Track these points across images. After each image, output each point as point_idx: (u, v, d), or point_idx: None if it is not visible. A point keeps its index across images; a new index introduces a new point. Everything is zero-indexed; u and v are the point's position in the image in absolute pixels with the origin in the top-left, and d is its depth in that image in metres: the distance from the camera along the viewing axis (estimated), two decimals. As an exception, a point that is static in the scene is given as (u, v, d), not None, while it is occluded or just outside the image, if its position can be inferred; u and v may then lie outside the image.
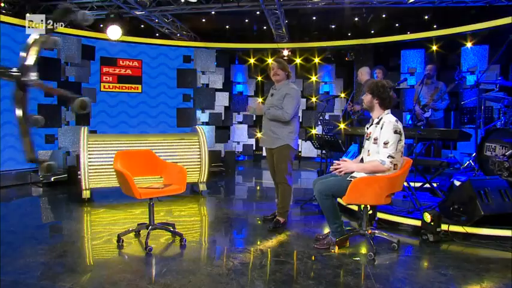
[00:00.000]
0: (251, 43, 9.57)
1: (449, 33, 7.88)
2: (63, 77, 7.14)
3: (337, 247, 3.33)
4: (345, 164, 3.31)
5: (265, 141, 4.17)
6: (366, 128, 3.51)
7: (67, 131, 6.95)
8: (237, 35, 9.67)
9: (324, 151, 5.35)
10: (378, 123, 3.30)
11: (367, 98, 3.36)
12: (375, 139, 3.25)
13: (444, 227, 3.64)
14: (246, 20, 9.23)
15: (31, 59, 1.69)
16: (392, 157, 3.15)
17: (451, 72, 7.57)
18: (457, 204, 3.78)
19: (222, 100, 8.90)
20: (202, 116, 8.59)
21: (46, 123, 6.80)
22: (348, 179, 3.23)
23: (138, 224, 3.72)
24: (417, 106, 6.15)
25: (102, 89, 8.10)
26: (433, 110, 6.19)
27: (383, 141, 3.17)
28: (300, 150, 9.46)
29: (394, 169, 3.21)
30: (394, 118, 3.27)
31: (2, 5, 6.71)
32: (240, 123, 9.71)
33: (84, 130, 5.17)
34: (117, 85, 8.28)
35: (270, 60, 9.66)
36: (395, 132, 3.16)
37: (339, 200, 3.52)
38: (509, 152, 3.41)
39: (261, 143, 4.34)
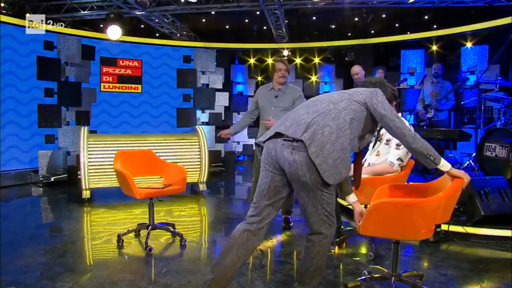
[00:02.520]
0: (251, 43, 9.57)
1: (449, 33, 7.88)
2: (63, 77, 7.14)
3: (337, 247, 3.33)
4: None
5: None
6: (376, 131, 3.52)
7: (67, 131, 6.94)
8: (237, 35, 9.67)
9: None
10: None
11: None
12: (388, 140, 3.27)
13: (444, 227, 3.64)
14: (246, 20, 9.23)
15: None
16: (402, 160, 3.17)
17: (451, 72, 7.58)
18: (457, 204, 3.77)
19: (222, 100, 8.90)
20: (202, 116, 8.59)
21: (46, 123, 6.81)
22: (352, 179, 3.23)
23: (138, 224, 3.72)
24: (420, 106, 6.11)
25: (102, 89, 8.10)
26: (436, 111, 6.16)
27: (396, 142, 3.19)
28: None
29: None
30: (407, 122, 3.29)
31: (2, 5, 6.70)
32: (240, 123, 9.71)
33: (84, 130, 5.17)
34: (117, 85, 8.28)
35: (270, 60, 9.67)
36: None
37: (339, 200, 3.52)
38: None
39: None
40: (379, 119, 2.14)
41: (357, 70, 5.74)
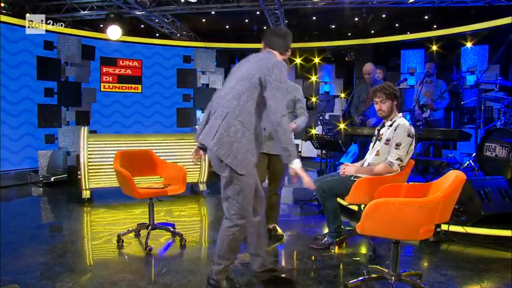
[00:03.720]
0: (251, 43, 9.57)
1: (449, 33, 7.88)
2: (63, 77, 7.14)
3: (337, 247, 3.33)
4: (349, 168, 3.31)
5: (274, 147, 3.44)
6: (376, 130, 3.51)
7: (67, 131, 6.94)
8: (237, 35, 9.68)
9: (324, 151, 5.34)
10: (391, 125, 3.30)
11: (386, 105, 3.27)
12: (387, 140, 3.25)
13: (444, 227, 3.64)
14: (246, 20, 9.24)
15: None
16: (401, 160, 3.16)
17: (451, 72, 7.58)
18: (457, 204, 3.77)
19: (222, 100, 8.89)
20: (202, 116, 8.58)
21: (46, 123, 6.80)
22: (352, 178, 3.23)
23: (138, 224, 3.72)
24: (416, 106, 6.10)
25: (102, 89, 8.10)
26: (432, 110, 6.15)
27: (395, 142, 3.17)
28: (300, 150, 9.47)
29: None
30: (408, 122, 3.28)
31: (2, 5, 6.70)
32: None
33: (84, 130, 5.17)
34: (117, 85, 8.28)
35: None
36: (409, 135, 3.17)
37: (339, 200, 3.52)
38: None
39: (267, 148, 3.50)
40: (265, 96, 2.33)
41: (369, 69, 5.59)
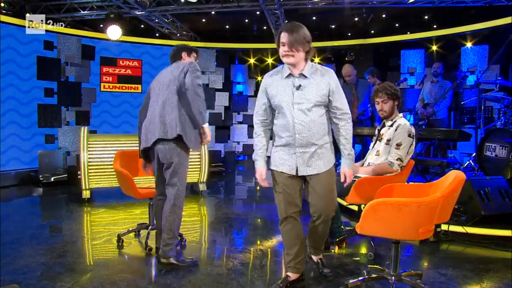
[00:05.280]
0: (251, 43, 9.57)
1: (449, 33, 7.89)
2: (63, 77, 7.14)
3: (337, 247, 3.34)
4: None
5: (313, 166, 2.46)
6: (376, 130, 3.51)
7: (67, 131, 6.94)
8: (237, 35, 9.68)
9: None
10: (391, 125, 3.30)
11: (388, 105, 3.27)
12: (388, 140, 3.25)
13: (444, 227, 3.64)
14: (246, 20, 9.23)
15: None
16: (402, 160, 3.16)
17: (451, 72, 7.58)
18: (457, 204, 3.78)
19: (222, 100, 8.90)
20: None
21: (46, 123, 6.80)
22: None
23: (138, 224, 3.72)
24: (419, 105, 6.10)
25: (102, 89, 8.10)
26: (432, 110, 6.16)
27: (396, 142, 3.17)
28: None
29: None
30: (409, 122, 3.28)
31: (2, 5, 6.70)
32: (240, 123, 9.70)
33: (84, 130, 5.17)
34: (117, 85, 8.28)
35: (270, 60, 9.66)
36: (409, 135, 3.17)
37: (339, 200, 3.52)
38: None
39: (309, 169, 2.47)
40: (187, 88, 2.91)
41: (348, 72, 5.64)
